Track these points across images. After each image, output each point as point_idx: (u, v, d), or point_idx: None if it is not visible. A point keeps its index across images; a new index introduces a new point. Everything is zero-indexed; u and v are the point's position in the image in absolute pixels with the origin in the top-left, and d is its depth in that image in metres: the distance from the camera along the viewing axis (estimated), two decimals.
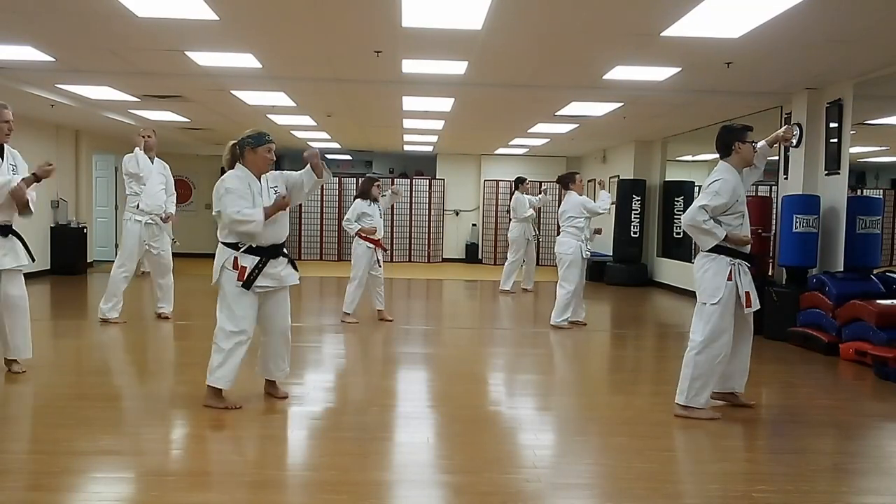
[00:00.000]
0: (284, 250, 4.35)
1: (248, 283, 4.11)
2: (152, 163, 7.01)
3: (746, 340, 4.43)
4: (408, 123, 11.04)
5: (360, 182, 7.71)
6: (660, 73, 6.85)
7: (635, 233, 12.04)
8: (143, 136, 6.97)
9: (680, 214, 11.78)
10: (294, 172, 4.42)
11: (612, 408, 4.69)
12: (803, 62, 6.31)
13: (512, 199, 10.58)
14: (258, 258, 4.14)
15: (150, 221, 6.97)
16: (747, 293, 4.25)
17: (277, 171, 4.38)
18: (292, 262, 4.42)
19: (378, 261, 7.45)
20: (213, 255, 4.31)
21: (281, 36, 5.94)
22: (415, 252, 15.78)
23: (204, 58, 6.64)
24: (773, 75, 6.84)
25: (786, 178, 7.67)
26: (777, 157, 8.00)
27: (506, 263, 10.47)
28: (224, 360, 4.16)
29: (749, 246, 4.31)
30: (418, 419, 4.27)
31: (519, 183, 10.50)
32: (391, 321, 7.48)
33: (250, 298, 4.16)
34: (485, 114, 9.86)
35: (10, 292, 4.75)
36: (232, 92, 8.37)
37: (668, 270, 11.66)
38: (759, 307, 4.35)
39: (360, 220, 7.35)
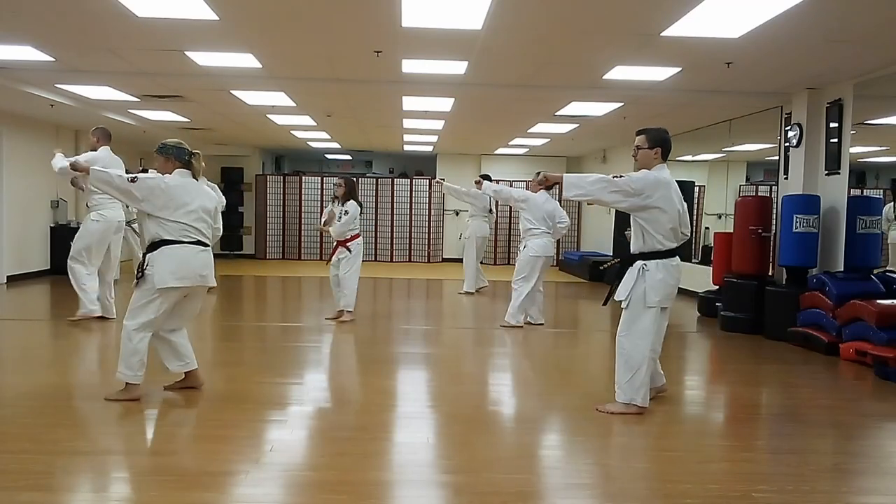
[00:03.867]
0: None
1: None
2: None
3: None
4: (408, 123, 11.03)
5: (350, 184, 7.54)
6: (660, 73, 6.85)
7: None
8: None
9: None
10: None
11: None
12: (803, 62, 6.31)
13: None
14: None
15: None
16: None
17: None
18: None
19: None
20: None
21: (281, 36, 5.94)
22: (415, 252, 15.77)
23: (204, 58, 6.64)
24: (773, 75, 6.84)
25: (786, 178, 7.67)
26: (777, 157, 8.01)
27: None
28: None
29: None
30: (418, 419, 4.27)
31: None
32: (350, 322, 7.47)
33: None
34: (485, 114, 9.86)
35: None
36: (232, 92, 8.37)
37: None
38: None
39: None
